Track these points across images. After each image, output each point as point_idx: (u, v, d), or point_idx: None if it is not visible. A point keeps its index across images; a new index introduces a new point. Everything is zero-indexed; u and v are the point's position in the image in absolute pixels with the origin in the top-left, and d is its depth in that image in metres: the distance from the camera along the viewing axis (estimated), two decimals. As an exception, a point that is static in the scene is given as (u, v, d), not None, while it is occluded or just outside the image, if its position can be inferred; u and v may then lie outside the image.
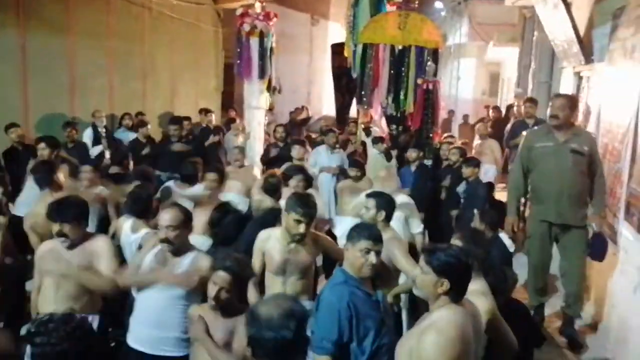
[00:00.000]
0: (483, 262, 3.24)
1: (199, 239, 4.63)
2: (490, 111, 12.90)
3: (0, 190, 4.95)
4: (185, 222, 3.43)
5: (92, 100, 9.12)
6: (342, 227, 6.08)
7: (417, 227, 5.40)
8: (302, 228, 3.53)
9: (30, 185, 5.27)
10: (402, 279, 4.00)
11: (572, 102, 5.28)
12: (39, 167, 5.01)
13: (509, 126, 8.93)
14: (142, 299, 3.44)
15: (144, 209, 4.31)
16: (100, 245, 3.60)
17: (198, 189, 5.35)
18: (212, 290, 2.94)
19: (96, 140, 8.31)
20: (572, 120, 5.39)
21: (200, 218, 4.42)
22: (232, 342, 2.91)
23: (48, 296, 3.54)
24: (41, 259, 3.62)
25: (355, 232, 3.00)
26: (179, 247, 3.40)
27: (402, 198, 5.25)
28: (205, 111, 10.41)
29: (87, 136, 8.41)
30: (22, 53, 8.26)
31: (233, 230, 4.09)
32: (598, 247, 5.14)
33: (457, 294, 2.52)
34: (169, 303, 3.34)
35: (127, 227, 4.32)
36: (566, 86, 7.94)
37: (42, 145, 5.84)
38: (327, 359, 2.78)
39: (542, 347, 3.91)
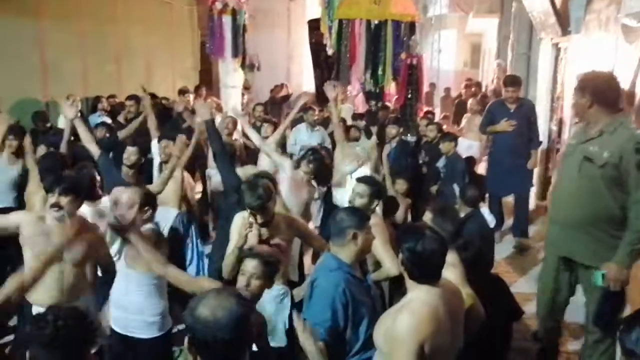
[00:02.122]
0: (453, 235, 3.23)
1: (168, 210, 4.92)
2: (463, 90, 12.76)
3: None
4: (141, 204, 3.49)
5: (66, 84, 8.91)
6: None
7: None
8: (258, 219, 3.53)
9: None
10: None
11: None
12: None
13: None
14: (114, 283, 3.52)
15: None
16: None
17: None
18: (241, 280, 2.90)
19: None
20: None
21: (169, 187, 4.79)
22: None
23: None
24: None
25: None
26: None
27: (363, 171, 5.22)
28: (182, 92, 10.24)
29: (61, 121, 8.24)
30: (-11, 36, 8.05)
31: None
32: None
33: (427, 277, 2.51)
34: (132, 288, 3.42)
35: None
36: (545, 58, 7.92)
37: (10, 136, 5.71)
38: (321, 344, 2.73)
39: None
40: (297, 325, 2.65)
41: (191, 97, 9.97)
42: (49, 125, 7.43)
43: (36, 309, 3.17)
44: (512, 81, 6.83)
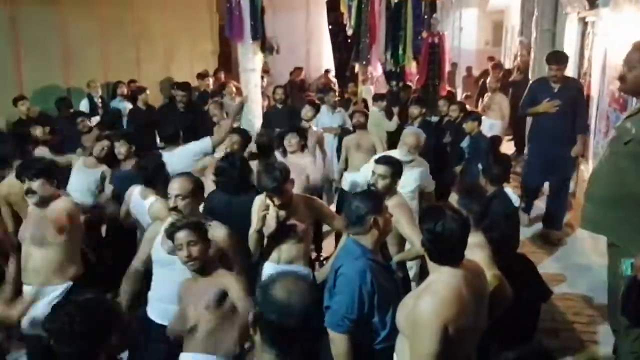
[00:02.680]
0: (480, 216, 3.16)
1: None
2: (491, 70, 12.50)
3: None
4: (194, 192, 3.38)
5: (87, 71, 8.99)
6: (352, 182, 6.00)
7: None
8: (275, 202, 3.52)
9: None
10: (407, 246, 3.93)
11: None
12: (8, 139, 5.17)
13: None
14: (158, 276, 3.44)
15: (150, 177, 4.20)
16: (61, 203, 3.61)
17: (206, 145, 5.27)
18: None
19: (92, 111, 8.21)
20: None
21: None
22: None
23: (24, 265, 3.59)
24: (22, 225, 3.74)
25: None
26: (190, 216, 3.33)
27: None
28: (202, 75, 10.23)
29: (83, 107, 8.31)
30: (13, 26, 8.12)
31: (237, 180, 4.03)
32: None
33: (449, 258, 2.46)
34: (175, 279, 3.28)
35: (136, 192, 4.31)
36: (571, 33, 7.70)
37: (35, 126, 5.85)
38: (347, 337, 2.73)
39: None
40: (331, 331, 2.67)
41: (210, 80, 9.95)
42: (72, 110, 7.50)
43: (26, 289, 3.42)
44: (556, 58, 6.10)
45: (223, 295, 2.92)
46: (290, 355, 1.80)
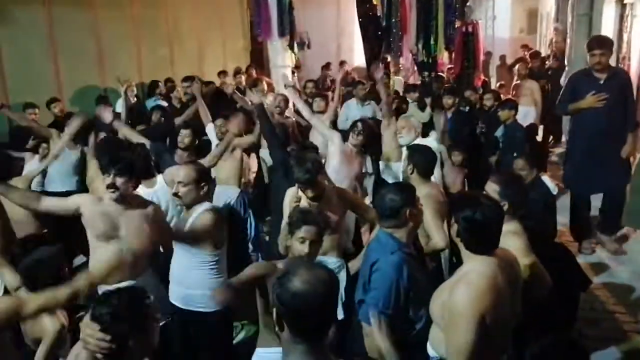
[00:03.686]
0: (519, 205, 3.10)
1: (230, 189, 5.02)
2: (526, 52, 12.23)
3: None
4: (197, 180, 3.47)
5: (121, 70, 9.07)
6: (387, 175, 5.98)
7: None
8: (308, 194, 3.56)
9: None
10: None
11: None
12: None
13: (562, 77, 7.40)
14: (173, 259, 3.59)
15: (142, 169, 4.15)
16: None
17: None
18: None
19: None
20: None
21: (230, 167, 5.01)
22: None
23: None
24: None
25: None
26: (190, 203, 3.48)
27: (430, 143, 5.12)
28: (235, 73, 10.32)
29: (119, 107, 8.47)
30: (49, 28, 8.28)
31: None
32: None
33: (485, 246, 2.43)
34: (194, 264, 3.46)
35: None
36: (608, 16, 7.51)
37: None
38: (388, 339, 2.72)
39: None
40: (374, 324, 2.66)
41: (243, 78, 10.02)
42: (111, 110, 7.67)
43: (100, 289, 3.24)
44: (598, 41, 5.39)
45: None
46: (319, 346, 1.80)
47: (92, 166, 5.10)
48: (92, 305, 2.07)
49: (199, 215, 3.44)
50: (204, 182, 3.52)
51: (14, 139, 6.79)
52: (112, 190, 3.29)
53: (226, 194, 5.00)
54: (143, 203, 3.50)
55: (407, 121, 5.40)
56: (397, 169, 5.26)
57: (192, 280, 3.46)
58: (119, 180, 3.29)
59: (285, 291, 1.78)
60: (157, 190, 4.27)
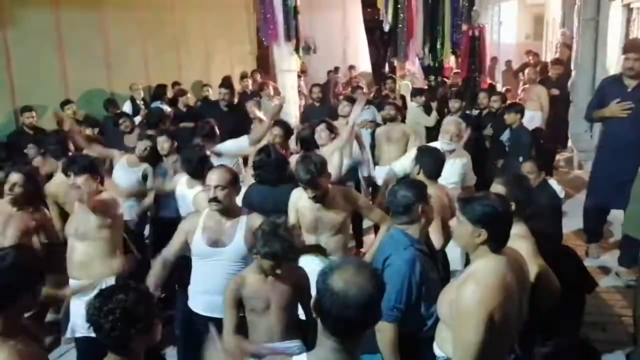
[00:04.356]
0: (525, 205, 3.10)
1: None
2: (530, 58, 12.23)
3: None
4: (232, 182, 3.42)
5: (128, 73, 9.19)
6: (381, 178, 5.99)
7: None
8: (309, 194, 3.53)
9: None
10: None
11: None
12: (51, 139, 5.27)
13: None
14: (200, 268, 3.46)
15: (194, 169, 4.28)
16: (105, 197, 3.68)
17: (244, 143, 5.39)
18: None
19: (135, 112, 8.41)
20: None
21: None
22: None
23: (69, 260, 3.69)
24: (67, 221, 3.84)
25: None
26: (228, 207, 3.38)
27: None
28: (241, 77, 10.38)
29: (126, 109, 8.53)
30: (57, 30, 8.32)
31: (274, 172, 4.05)
32: None
33: (496, 243, 2.42)
34: (217, 271, 3.34)
35: (183, 181, 4.43)
36: (615, 21, 7.50)
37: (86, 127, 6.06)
38: (394, 326, 2.73)
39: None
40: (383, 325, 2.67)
41: (250, 82, 10.05)
42: (118, 111, 7.75)
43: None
44: (635, 45, 4.99)
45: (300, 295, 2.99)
46: (350, 345, 1.79)
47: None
48: (98, 294, 2.11)
49: (252, 222, 3.33)
50: (237, 182, 3.50)
51: (13, 142, 6.73)
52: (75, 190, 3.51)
53: None
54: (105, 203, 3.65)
55: (457, 124, 4.96)
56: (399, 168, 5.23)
57: (216, 286, 3.30)
58: (80, 179, 3.50)
59: (323, 284, 1.75)
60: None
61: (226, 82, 8.08)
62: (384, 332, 2.73)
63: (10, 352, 2.08)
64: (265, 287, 2.94)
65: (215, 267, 3.33)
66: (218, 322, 3.29)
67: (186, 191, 4.33)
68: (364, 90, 7.57)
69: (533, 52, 12.81)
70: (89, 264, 3.62)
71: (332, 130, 5.22)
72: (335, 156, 4.56)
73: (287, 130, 5.15)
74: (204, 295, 3.44)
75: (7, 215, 3.91)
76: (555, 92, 8.50)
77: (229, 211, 3.39)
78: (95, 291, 3.43)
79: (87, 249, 3.61)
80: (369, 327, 1.82)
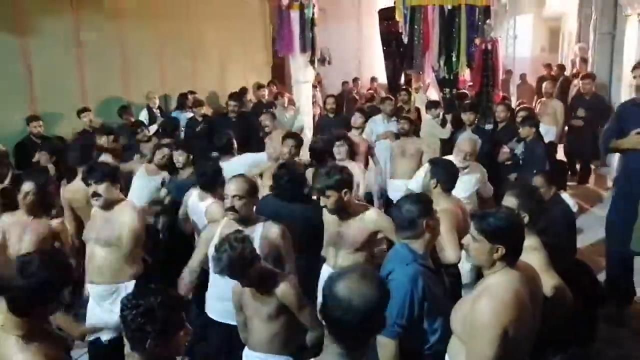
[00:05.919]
0: (538, 217, 3.10)
1: None
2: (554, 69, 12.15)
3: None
4: (250, 192, 3.46)
5: (145, 82, 9.26)
6: (394, 191, 6.00)
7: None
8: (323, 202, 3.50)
9: None
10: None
11: None
12: (74, 147, 5.37)
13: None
14: (214, 275, 3.47)
15: (208, 182, 4.32)
16: (125, 206, 3.73)
17: (261, 158, 5.43)
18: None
19: (151, 121, 8.51)
20: None
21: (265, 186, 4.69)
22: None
23: (87, 267, 3.74)
24: (86, 227, 3.88)
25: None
26: (245, 217, 3.42)
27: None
28: (258, 86, 10.45)
29: (142, 117, 8.62)
30: (77, 39, 8.41)
31: (291, 189, 4.08)
32: None
33: (512, 257, 2.42)
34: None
35: (194, 195, 4.45)
36: (632, 35, 7.47)
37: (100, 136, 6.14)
38: (395, 342, 2.71)
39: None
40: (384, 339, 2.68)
41: (266, 92, 10.12)
42: (132, 120, 7.83)
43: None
44: None
45: (283, 308, 2.99)
46: (356, 351, 1.81)
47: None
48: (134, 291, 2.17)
49: (267, 231, 3.42)
50: (255, 192, 3.55)
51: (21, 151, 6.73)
52: (95, 198, 3.58)
53: None
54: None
55: (472, 144, 4.93)
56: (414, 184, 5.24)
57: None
58: (100, 188, 3.58)
59: (329, 290, 1.79)
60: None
61: (235, 94, 8.17)
62: (385, 347, 2.72)
63: (34, 355, 2.12)
64: (251, 297, 3.03)
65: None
66: (232, 329, 3.36)
67: (198, 203, 4.36)
68: (393, 101, 7.57)
69: (551, 66, 12.79)
70: (109, 269, 3.66)
71: (352, 147, 5.27)
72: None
73: (299, 142, 5.20)
74: (219, 302, 3.50)
75: (23, 223, 4.00)
76: (581, 115, 8.26)
77: (246, 220, 3.43)
78: (114, 296, 3.56)
79: (108, 255, 3.65)
80: (374, 333, 1.87)
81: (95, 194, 3.60)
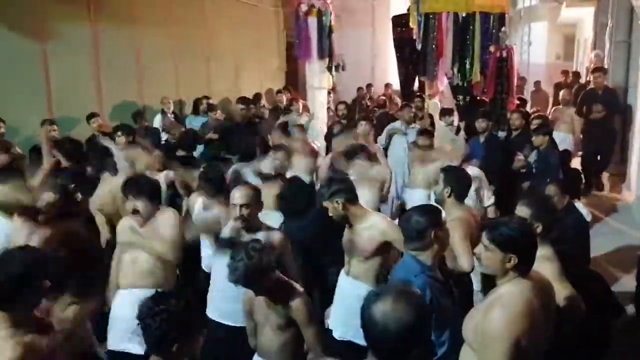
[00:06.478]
0: (551, 227, 3.09)
1: (274, 214, 4.71)
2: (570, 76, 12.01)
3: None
4: (256, 199, 3.53)
5: (160, 87, 9.35)
6: (412, 200, 5.99)
7: (488, 199, 5.26)
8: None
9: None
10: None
11: None
12: (96, 152, 5.28)
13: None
14: (216, 275, 3.58)
15: (215, 189, 4.29)
16: (166, 216, 3.71)
17: (265, 165, 5.43)
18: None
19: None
20: None
21: (269, 194, 4.57)
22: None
23: (126, 272, 3.71)
24: (119, 232, 3.83)
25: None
26: (255, 223, 3.52)
27: (470, 170, 5.08)
28: (277, 91, 10.51)
29: (157, 122, 8.70)
30: (94, 45, 8.52)
31: (302, 204, 4.10)
32: None
33: (524, 267, 2.43)
34: None
35: (198, 204, 4.44)
36: (647, 44, 7.43)
37: (118, 133, 6.08)
38: None
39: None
40: None
41: (284, 97, 10.15)
42: (146, 124, 7.89)
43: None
44: None
45: (293, 321, 3.00)
46: None
47: None
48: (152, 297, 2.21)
49: (268, 237, 3.44)
50: (259, 199, 3.60)
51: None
52: (134, 214, 3.60)
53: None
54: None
55: (454, 144, 5.13)
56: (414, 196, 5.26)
57: (233, 294, 3.35)
58: (138, 204, 3.58)
59: (365, 314, 1.84)
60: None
61: (243, 99, 8.23)
62: None
63: (17, 345, 2.20)
64: (264, 304, 3.03)
65: None
66: (231, 330, 3.43)
67: (202, 213, 4.35)
68: (412, 108, 7.60)
69: (568, 73, 12.70)
70: (152, 274, 3.65)
71: (370, 158, 5.27)
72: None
73: (288, 154, 5.20)
74: (220, 303, 3.58)
75: (31, 227, 3.93)
76: (598, 111, 8.11)
77: (251, 227, 3.51)
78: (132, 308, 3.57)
79: (155, 260, 3.65)
80: (414, 351, 1.86)
81: (135, 211, 3.59)
